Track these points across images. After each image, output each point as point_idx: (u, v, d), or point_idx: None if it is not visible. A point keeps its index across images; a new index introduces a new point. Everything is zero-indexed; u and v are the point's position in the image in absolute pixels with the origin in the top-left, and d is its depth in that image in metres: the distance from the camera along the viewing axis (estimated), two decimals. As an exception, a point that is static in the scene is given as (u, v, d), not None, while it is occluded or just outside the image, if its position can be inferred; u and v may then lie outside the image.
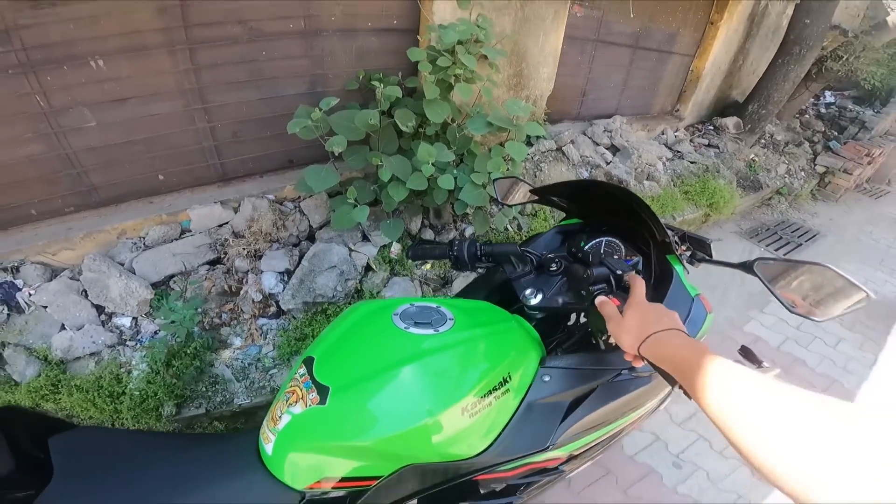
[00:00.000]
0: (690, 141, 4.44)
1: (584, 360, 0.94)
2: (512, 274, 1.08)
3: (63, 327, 1.79)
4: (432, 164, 1.93)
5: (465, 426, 0.79)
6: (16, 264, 1.84)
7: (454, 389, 0.79)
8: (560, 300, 1.02)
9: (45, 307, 1.79)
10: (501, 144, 2.13)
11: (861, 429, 0.40)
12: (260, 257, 2.07)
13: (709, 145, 4.49)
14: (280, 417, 0.81)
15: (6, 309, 1.76)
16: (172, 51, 1.89)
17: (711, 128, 4.77)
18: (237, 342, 1.94)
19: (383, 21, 2.32)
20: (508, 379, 0.85)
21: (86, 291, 1.85)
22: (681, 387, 0.60)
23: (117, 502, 0.78)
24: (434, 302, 0.96)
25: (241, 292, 2.02)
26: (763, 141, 4.94)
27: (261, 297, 2.01)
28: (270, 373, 1.86)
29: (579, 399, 0.95)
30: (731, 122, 4.71)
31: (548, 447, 0.90)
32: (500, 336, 0.92)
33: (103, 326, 1.84)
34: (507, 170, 2.10)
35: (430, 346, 0.83)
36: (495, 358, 0.86)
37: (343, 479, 0.81)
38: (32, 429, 0.87)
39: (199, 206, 2.07)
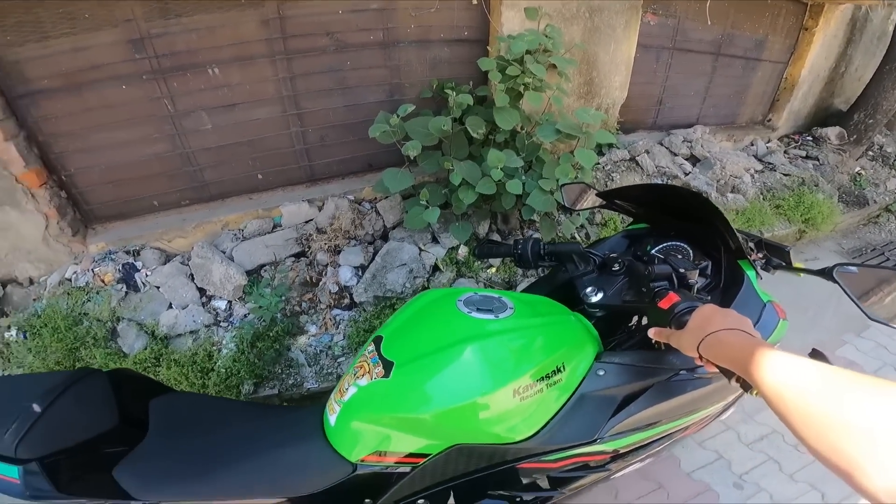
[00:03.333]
0: (785, 152, 4.11)
1: (641, 357, 0.94)
2: (574, 272, 1.11)
3: (170, 306, 2.07)
4: (501, 170, 1.99)
5: (513, 408, 0.83)
6: (137, 248, 2.16)
7: (508, 371, 0.84)
8: (620, 299, 1.03)
9: (158, 287, 2.08)
10: (571, 152, 2.14)
11: None
12: (339, 252, 2.26)
13: (806, 157, 4.12)
14: (347, 389, 0.90)
15: (125, 287, 2.06)
16: (273, 60, 2.14)
17: (810, 138, 4.39)
18: (313, 329, 2.13)
19: (455, 32, 2.44)
20: (562, 368, 0.88)
21: (192, 275, 2.12)
22: (738, 380, 0.61)
23: (195, 453, 0.91)
24: (497, 293, 1.02)
25: (321, 283, 2.22)
26: (871, 153, 4.46)
27: (337, 288, 2.19)
28: (339, 360, 2.02)
29: (633, 395, 0.95)
30: (832, 132, 4.30)
31: (595, 440, 0.92)
32: (557, 328, 0.96)
33: (203, 307, 2.10)
34: (576, 176, 2.11)
35: (490, 330, 0.89)
36: (551, 347, 0.90)
37: (394, 455, 0.87)
38: (137, 391, 1.00)
39: (289, 203, 2.30)
